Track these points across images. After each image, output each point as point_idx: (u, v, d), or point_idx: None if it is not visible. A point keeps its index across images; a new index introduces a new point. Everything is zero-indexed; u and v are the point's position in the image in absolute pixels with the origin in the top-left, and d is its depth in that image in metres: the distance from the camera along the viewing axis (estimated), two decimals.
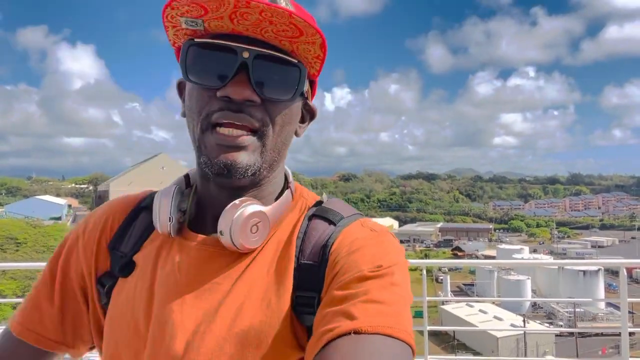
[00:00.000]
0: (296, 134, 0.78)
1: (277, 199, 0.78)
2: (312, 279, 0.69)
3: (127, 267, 0.76)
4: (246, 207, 0.70)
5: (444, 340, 31.85)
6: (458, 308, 35.26)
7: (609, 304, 34.89)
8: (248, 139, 0.68)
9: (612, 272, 47.60)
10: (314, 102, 0.82)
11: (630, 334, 3.41)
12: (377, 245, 0.70)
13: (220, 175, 0.69)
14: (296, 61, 0.68)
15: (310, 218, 0.76)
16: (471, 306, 35.01)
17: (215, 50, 0.67)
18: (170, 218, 0.73)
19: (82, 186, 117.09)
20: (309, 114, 0.81)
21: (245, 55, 0.65)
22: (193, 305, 0.69)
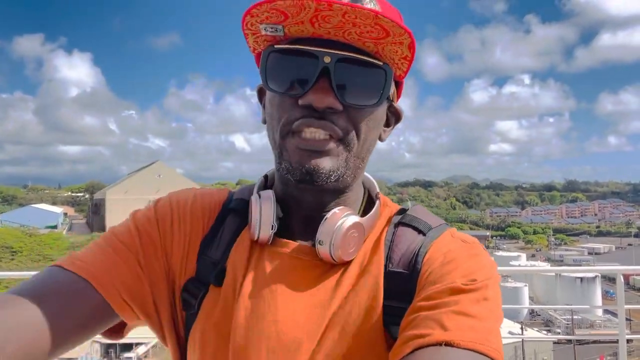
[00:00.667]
0: (380, 138, 0.76)
1: (363, 207, 0.77)
2: (402, 289, 0.67)
3: (220, 275, 0.72)
4: (347, 218, 0.68)
5: None
6: None
7: (606, 311, 34.90)
8: (331, 145, 0.67)
9: (609, 279, 47.66)
10: (399, 104, 0.79)
11: (628, 340, 3.44)
12: (472, 258, 0.68)
13: (302, 182, 0.67)
14: (382, 63, 0.65)
15: (396, 226, 0.74)
16: None
17: (296, 55, 0.65)
18: (273, 226, 0.71)
19: (79, 194, 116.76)
20: (394, 116, 0.78)
21: (327, 59, 0.63)
22: (292, 319, 0.67)
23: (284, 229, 0.74)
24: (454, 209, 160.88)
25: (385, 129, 0.77)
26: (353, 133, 0.68)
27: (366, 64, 0.65)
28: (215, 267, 0.73)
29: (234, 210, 0.77)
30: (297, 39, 0.66)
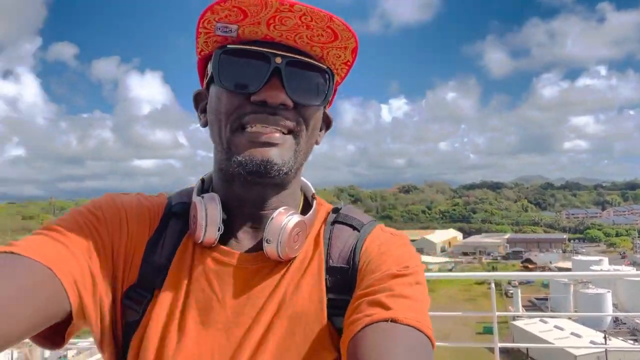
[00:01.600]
0: (316, 142, 0.80)
1: (301, 206, 0.82)
2: (343, 282, 0.73)
3: (163, 281, 0.71)
4: (292, 217, 0.72)
5: (517, 358, 30.21)
6: (531, 324, 33.35)
7: None
8: (282, 137, 0.70)
9: None
10: (330, 111, 0.83)
11: None
12: (401, 248, 0.76)
13: (255, 174, 0.68)
14: (326, 67, 0.72)
15: (332, 224, 0.79)
16: (545, 322, 32.97)
17: (248, 55, 0.69)
18: (219, 228, 0.72)
19: None
20: (324, 122, 0.82)
21: (278, 61, 0.67)
22: (232, 324, 0.69)
23: (226, 231, 0.74)
24: (526, 211, 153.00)
25: (319, 133, 0.80)
26: (303, 126, 0.72)
27: (313, 68, 0.71)
28: (160, 272, 0.72)
29: (175, 214, 0.77)
30: (249, 41, 0.69)
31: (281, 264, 0.74)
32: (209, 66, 0.73)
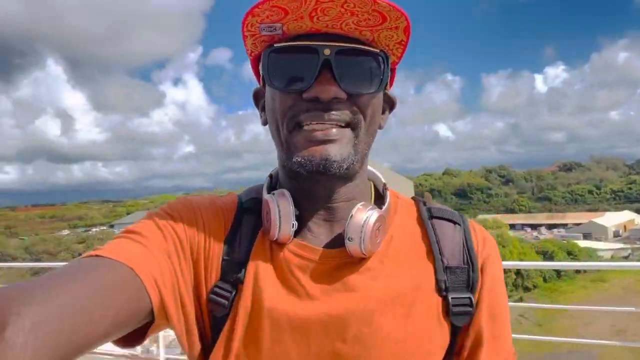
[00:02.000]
0: (379, 126, 0.77)
1: (373, 199, 0.80)
2: (464, 281, 0.74)
3: (242, 276, 0.71)
4: (372, 212, 0.70)
5: None
6: None
7: None
8: (339, 132, 0.68)
9: None
10: (392, 92, 0.80)
11: None
12: (495, 246, 0.80)
13: (316, 173, 0.67)
14: (379, 50, 0.68)
15: (429, 218, 0.78)
16: None
17: (296, 52, 0.67)
18: (293, 224, 0.71)
19: None
20: (388, 104, 0.80)
21: (327, 52, 0.65)
22: (335, 323, 0.68)
23: (300, 225, 0.74)
24: None
25: (382, 116, 0.78)
26: (360, 117, 0.69)
27: (365, 53, 0.68)
28: (241, 267, 0.72)
29: (248, 210, 0.77)
30: (296, 36, 0.68)
31: (365, 259, 0.72)
32: (260, 66, 0.72)
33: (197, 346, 0.72)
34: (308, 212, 0.75)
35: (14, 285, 0.55)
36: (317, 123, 0.67)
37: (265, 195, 0.73)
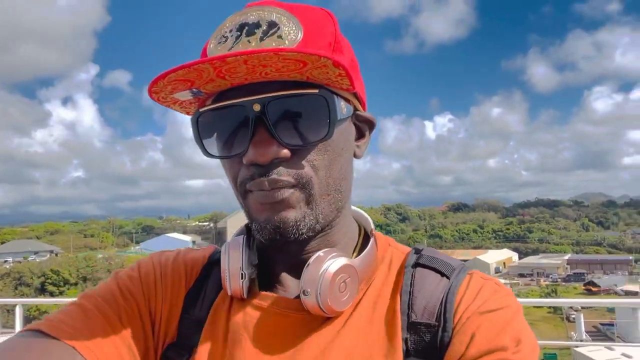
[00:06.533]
0: (355, 155, 0.68)
1: (359, 247, 0.69)
2: (428, 343, 0.59)
3: (200, 335, 0.65)
4: (334, 261, 0.60)
5: None
6: (596, 351, 31.07)
7: None
8: (288, 194, 0.59)
9: None
10: (368, 112, 0.70)
11: None
12: (507, 309, 0.60)
13: (273, 241, 0.60)
14: (317, 90, 0.57)
15: (413, 267, 0.65)
16: (612, 349, 30.63)
17: (225, 113, 0.59)
18: (242, 275, 0.63)
19: (204, 224, 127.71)
20: (366, 124, 0.69)
21: (257, 107, 0.56)
22: None
23: (268, 280, 0.67)
24: (587, 230, 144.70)
25: (358, 143, 0.69)
26: (310, 172, 0.60)
27: (301, 97, 0.57)
28: (200, 327, 0.66)
29: (217, 263, 0.69)
30: (220, 94, 0.60)
31: (332, 318, 0.62)
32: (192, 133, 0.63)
33: None
34: (277, 262, 0.68)
35: None
36: (260, 191, 0.59)
37: (224, 245, 0.67)
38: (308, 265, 0.60)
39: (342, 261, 0.60)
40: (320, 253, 0.61)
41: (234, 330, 0.64)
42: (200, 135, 0.61)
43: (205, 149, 0.61)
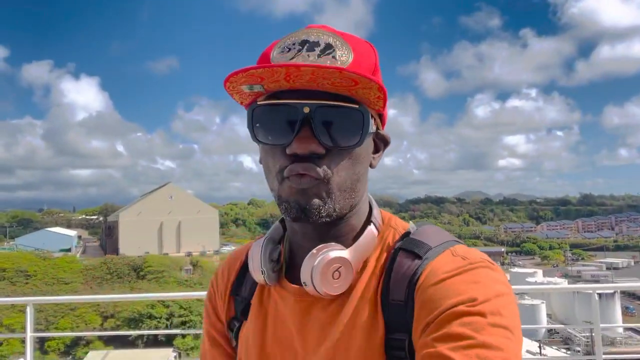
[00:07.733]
0: (370, 165, 0.81)
1: (358, 235, 0.79)
2: (400, 319, 0.69)
3: (246, 310, 0.85)
4: (325, 254, 0.72)
5: None
6: None
7: (627, 328, 33.92)
8: (315, 185, 0.71)
9: (629, 295, 46.34)
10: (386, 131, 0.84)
11: None
12: (471, 273, 0.66)
13: (297, 219, 0.73)
14: (357, 106, 0.70)
15: (396, 251, 0.75)
16: None
17: (278, 110, 0.71)
18: (262, 271, 0.78)
19: (92, 217, 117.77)
20: (382, 142, 0.84)
21: (306, 110, 0.69)
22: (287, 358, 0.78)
23: (294, 270, 0.80)
24: (468, 225, 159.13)
25: (374, 155, 0.82)
26: (336, 170, 0.72)
27: (343, 109, 0.70)
28: (246, 304, 0.85)
29: None
30: (278, 92, 0.72)
31: (334, 301, 0.75)
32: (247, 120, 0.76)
33: None
34: (299, 253, 0.80)
35: None
36: (296, 177, 0.70)
37: (255, 242, 0.84)
38: (305, 261, 0.73)
39: (335, 253, 0.72)
40: (313, 251, 0.73)
41: (270, 308, 0.82)
42: (253, 123, 0.74)
43: (255, 135, 0.74)
